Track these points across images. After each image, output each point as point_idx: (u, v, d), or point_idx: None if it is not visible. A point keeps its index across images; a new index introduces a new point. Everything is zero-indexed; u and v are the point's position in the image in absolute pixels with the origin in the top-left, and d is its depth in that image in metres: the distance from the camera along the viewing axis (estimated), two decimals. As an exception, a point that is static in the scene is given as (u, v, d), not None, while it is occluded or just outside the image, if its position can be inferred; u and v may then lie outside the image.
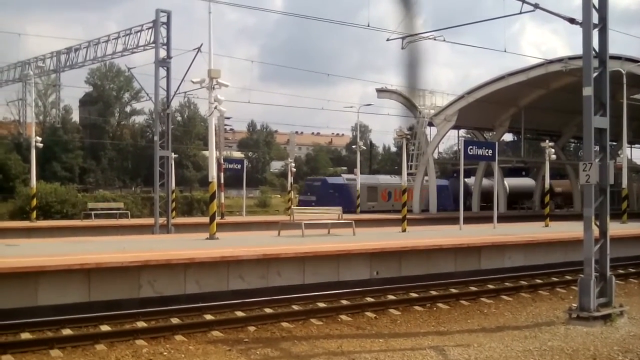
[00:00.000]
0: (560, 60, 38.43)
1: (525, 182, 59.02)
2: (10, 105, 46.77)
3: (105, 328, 12.24)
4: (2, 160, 52.75)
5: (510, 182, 55.90)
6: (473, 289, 17.59)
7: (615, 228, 22.88)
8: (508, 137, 61.75)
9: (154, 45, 28.43)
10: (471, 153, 27.36)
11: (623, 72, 31.13)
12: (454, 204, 48.42)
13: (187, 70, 27.48)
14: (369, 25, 15.47)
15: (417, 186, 47.68)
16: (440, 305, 15.52)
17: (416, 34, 21.29)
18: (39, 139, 32.84)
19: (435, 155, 50.08)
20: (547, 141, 32.07)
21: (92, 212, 33.99)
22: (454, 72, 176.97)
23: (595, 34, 13.22)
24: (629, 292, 17.77)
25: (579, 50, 13.67)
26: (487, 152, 27.84)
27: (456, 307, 15.41)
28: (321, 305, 14.94)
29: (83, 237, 24.81)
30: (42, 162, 54.44)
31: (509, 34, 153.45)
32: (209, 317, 13.42)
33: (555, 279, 19.34)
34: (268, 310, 14.22)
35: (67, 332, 11.93)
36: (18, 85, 40.39)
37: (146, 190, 62.32)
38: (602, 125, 13.38)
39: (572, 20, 13.52)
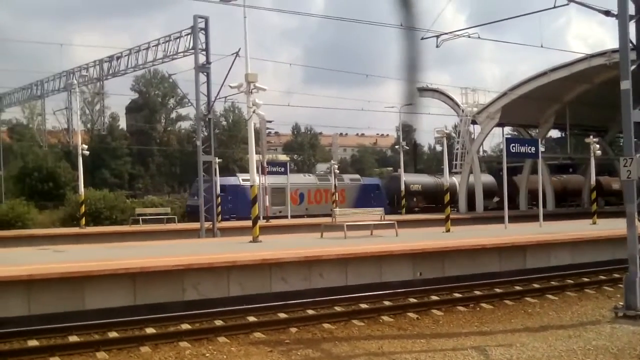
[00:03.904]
0: (603, 53, 37.60)
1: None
2: (57, 114, 47.69)
3: (150, 330, 12.48)
4: (52, 168, 53.86)
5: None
6: (518, 288, 17.36)
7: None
8: (556, 134, 60.74)
9: (193, 51, 28.77)
10: (514, 151, 26.99)
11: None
12: (389, 206, 45.21)
13: (227, 75, 27.85)
14: (401, 25, 15.40)
15: (463, 185, 47.29)
16: (483, 305, 15.36)
17: (451, 32, 21.15)
18: (85, 146, 33.70)
19: (481, 154, 49.49)
20: (591, 136, 31.52)
21: (140, 218, 34.60)
22: (500, 68, 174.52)
23: (632, 25, 12.92)
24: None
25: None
26: (530, 150, 27.48)
27: (500, 307, 15.24)
28: (363, 306, 14.95)
29: (131, 242, 25.26)
30: (91, 169, 55.48)
31: (555, 27, 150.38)
32: (251, 318, 13.55)
33: (602, 277, 18.97)
34: (310, 312, 14.28)
35: (113, 334, 12.21)
36: (65, 94, 41.38)
37: (194, 195, 62.81)
38: (642, 119, 13.05)
39: (607, 13, 13.26)
